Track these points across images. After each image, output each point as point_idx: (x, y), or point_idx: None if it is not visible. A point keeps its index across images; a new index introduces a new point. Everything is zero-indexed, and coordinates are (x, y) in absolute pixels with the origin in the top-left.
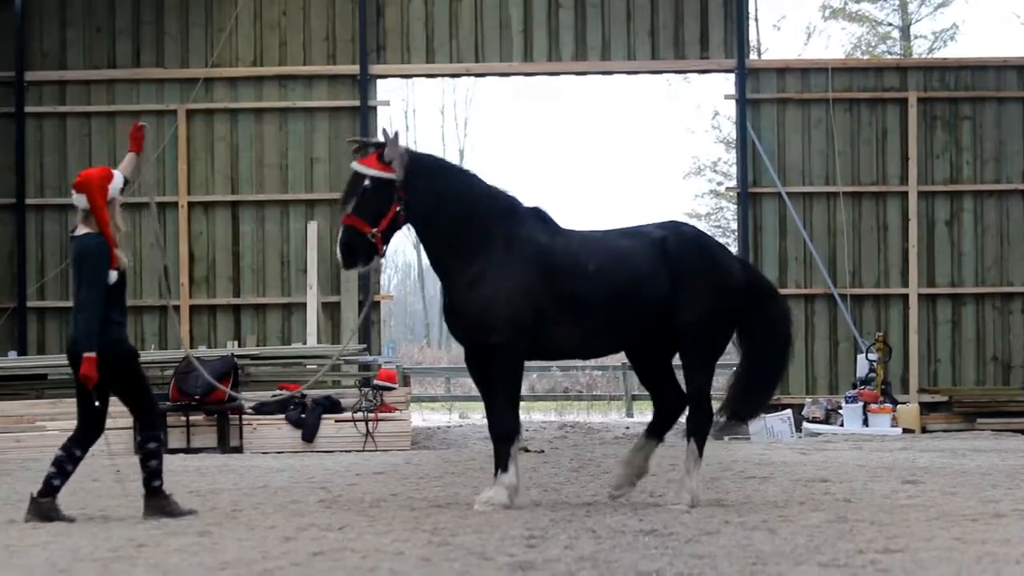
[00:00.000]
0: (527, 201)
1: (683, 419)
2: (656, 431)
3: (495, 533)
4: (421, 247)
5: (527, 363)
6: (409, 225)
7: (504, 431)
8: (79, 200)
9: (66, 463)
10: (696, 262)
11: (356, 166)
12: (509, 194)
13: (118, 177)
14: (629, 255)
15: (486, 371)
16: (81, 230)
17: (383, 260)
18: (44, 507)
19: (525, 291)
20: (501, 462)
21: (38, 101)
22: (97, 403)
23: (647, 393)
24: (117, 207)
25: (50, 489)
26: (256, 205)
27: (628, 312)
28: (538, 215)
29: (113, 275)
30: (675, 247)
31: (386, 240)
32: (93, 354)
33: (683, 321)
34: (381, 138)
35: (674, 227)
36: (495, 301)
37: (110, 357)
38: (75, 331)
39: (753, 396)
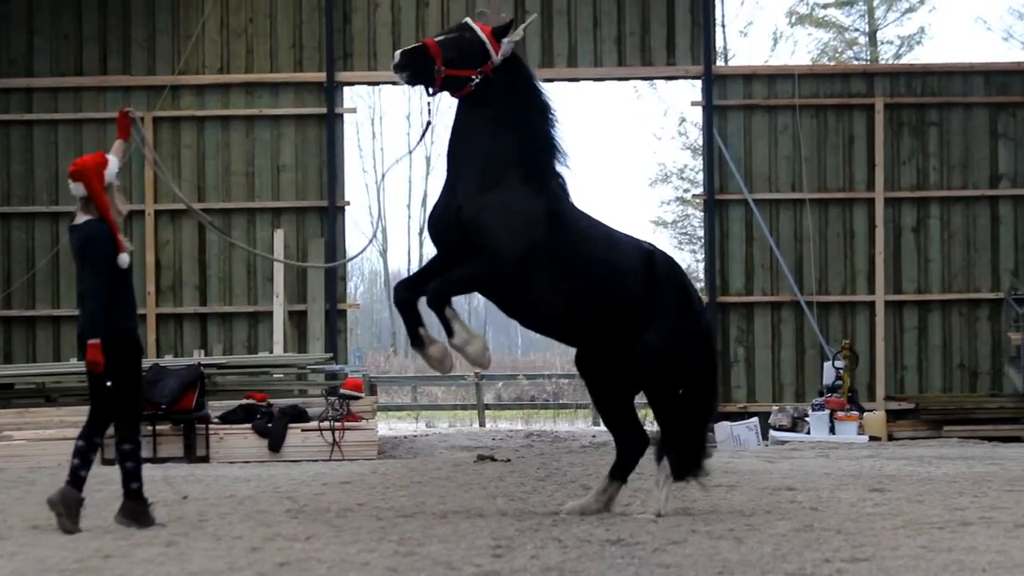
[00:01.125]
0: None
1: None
2: (619, 473)
3: (461, 543)
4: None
5: (493, 372)
6: (460, 102)
7: (439, 294)
8: (76, 188)
9: (89, 452)
10: (673, 284)
11: (469, 20)
12: (559, 151)
13: (113, 162)
14: (622, 244)
15: (448, 252)
16: (81, 218)
17: (434, 96)
18: (70, 497)
19: (532, 222)
20: (445, 328)
21: (5, 109)
22: (109, 383)
23: None
24: (116, 191)
25: (77, 480)
26: (223, 213)
27: (606, 292)
28: (561, 181)
29: (125, 258)
30: (659, 262)
31: (444, 85)
32: (98, 340)
33: (648, 340)
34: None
35: (659, 249)
36: (505, 214)
37: (113, 345)
38: (82, 319)
39: (685, 457)
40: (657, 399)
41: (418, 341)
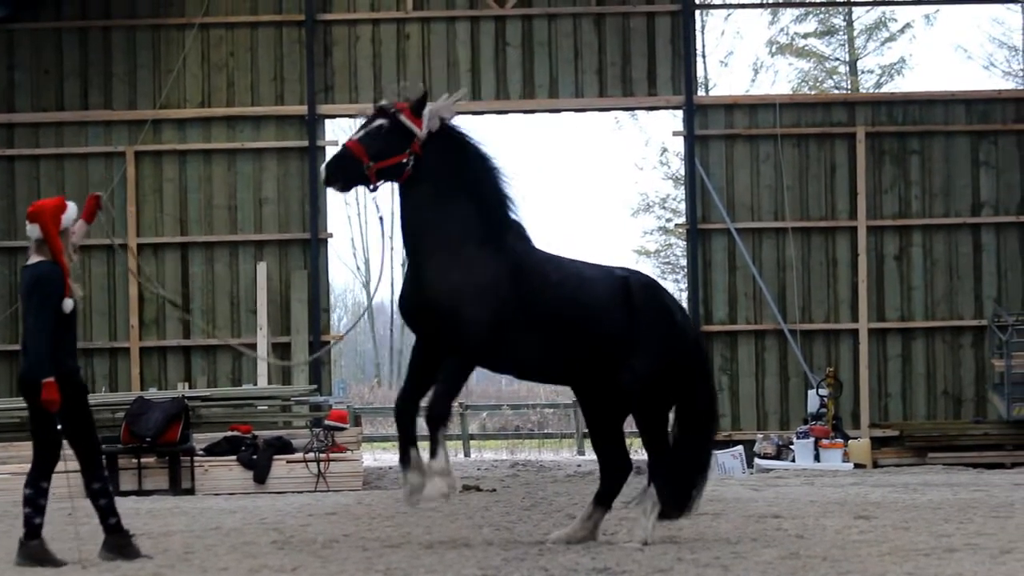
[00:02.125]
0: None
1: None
2: (604, 499)
3: (448, 573)
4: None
5: (478, 402)
6: (397, 188)
7: (439, 413)
8: (32, 230)
9: (38, 498)
10: (652, 307)
11: (384, 103)
12: (509, 200)
13: (72, 208)
14: (591, 280)
15: (429, 353)
16: (34, 259)
17: (376, 191)
18: (35, 550)
19: (494, 286)
20: (431, 447)
21: None
22: (60, 426)
23: None
24: (71, 238)
25: (33, 529)
26: (205, 246)
27: (582, 332)
28: (519, 229)
29: (69, 303)
30: (635, 288)
31: (380, 177)
32: (51, 378)
33: (637, 365)
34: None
35: (636, 273)
36: (465, 288)
37: (62, 387)
38: (28, 359)
39: (684, 491)
40: (645, 424)
41: (406, 461)
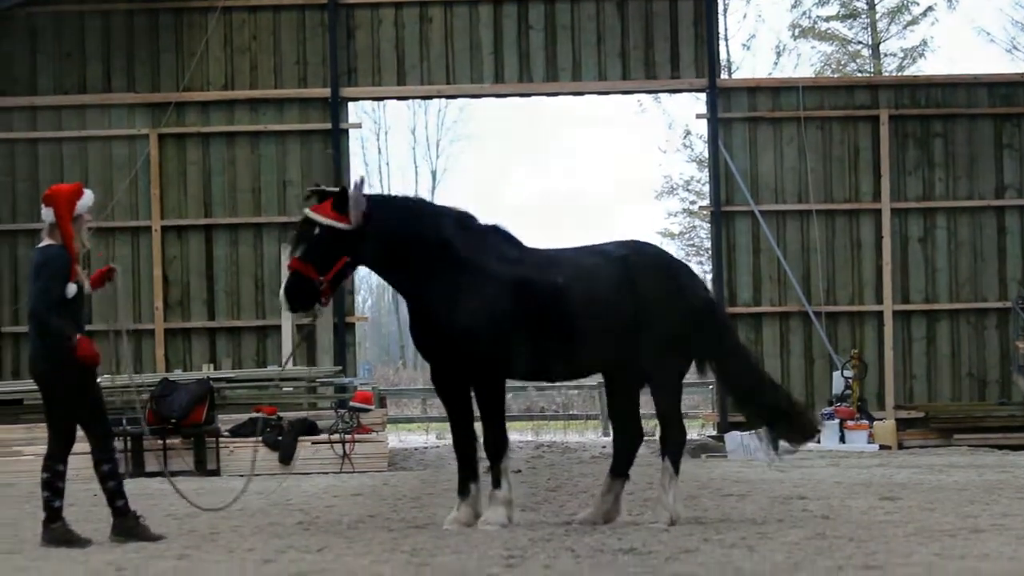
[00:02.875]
0: (486, 219)
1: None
2: (619, 469)
3: (473, 554)
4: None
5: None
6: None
7: (493, 441)
8: (46, 213)
9: (56, 481)
10: (657, 280)
11: (308, 212)
12: (469, 213)
13: (88, 195)
14: (593, 272)
15: (456, 389)
16: (45, 242)
17: (323, 308)
18: (58, 532)
19: (503, 309)
20: (494, 478)
21: (9, 127)
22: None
23: None
24: (84, 225)
25: (54, 513)
26: (229, 228)
27: (595, 328)
28: (500, 232)
29: (72, 288)
30: (636, 265)
31: (333, 288)
32: (77, 335)
33: (646, 340)
34: (348, 184)
35: (635, 246)
36: (476, 323)
37: (74, 370)
38: (41, 337)
39: (793, 416)
40: (658, 389)
41: (465, 492)
